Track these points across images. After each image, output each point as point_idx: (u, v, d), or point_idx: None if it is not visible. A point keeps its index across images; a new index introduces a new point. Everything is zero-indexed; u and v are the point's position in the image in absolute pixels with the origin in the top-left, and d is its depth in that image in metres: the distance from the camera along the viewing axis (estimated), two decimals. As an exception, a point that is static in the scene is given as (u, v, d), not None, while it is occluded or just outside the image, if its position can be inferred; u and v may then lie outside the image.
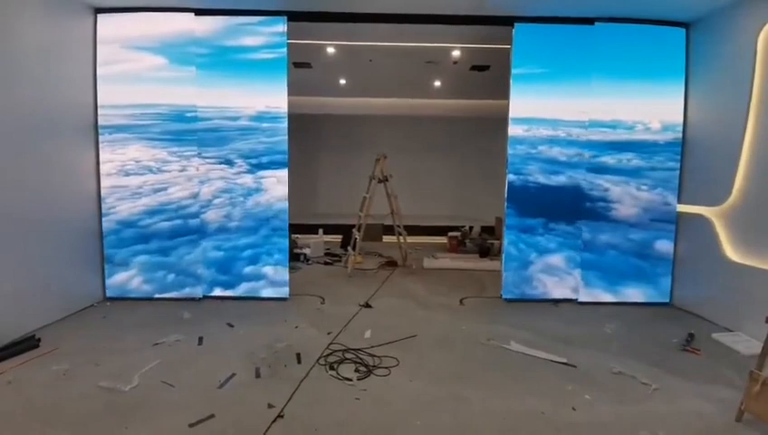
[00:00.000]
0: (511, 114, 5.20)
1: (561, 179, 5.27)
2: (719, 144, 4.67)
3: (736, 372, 3.44)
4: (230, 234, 5.23)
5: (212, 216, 5.20)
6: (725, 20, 4.63)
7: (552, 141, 5.23)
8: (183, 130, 5.12)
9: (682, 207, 5.17)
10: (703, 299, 4.90)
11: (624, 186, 5.25)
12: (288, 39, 5.08)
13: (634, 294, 5.29)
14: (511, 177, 5.28)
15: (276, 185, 5.22)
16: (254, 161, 5.21)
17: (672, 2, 4.63)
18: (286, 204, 5.22)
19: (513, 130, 5.23)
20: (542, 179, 5.28)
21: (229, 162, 5.20)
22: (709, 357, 3.82)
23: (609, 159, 5.24)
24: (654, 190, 5.25)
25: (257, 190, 5.22)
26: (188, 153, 5.16)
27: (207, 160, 5.17)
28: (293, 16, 5.06)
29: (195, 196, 5.17)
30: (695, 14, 4.92)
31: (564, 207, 5.28)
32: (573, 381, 3.32)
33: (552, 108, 5.20)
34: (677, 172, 5.22)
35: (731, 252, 4.48)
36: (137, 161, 5.10)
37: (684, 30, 5.11)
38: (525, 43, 5.14)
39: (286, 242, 5.29)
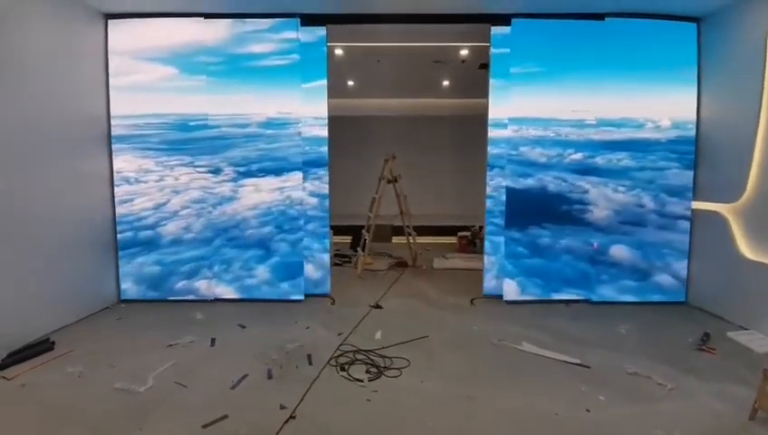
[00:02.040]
0: (509, 114, 5.17)
1: (539, 182, 5.21)
2: (733, 140, 4.60)
3: (751, 371, 3.39)
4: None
5: (171, 227, 5.17)
6: (736, 15, 4.56)
7: (552, 142, 5.17)
8: (182, 140, 5.14)
9: (697, 205, 5.09)
10: (718, 297, 4.83)
11: (602, 187, 5.16)
12: (327, 42, 5.15)
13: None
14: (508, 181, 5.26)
15: (252, 193, 5.19)
16: (242, 169, 5.19)
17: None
18: (256, 212, 5.19)
19: (505, 132, 5.20)
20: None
21: (217, 170, 5.18)
22: (724, 356, 3.77)
23: (599, 160, 5.16)
24: (631, 192, 5.15)
25: (230, 199, 5.19)
26: (174, 162, 5.14)
27: (197, 169, 5.15)
28: (306, 19, 5.07)
29: (158, 207, 5.15)
30: (705, 9, 4.85)
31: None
32: (587, 382, 3.29)
33: (552, 107, 5.14)
34: (667, 171, 5.12)
35: (746, 249, 4.41)
36: (118, 172, 5.11)
37: (695, 25, 5.03)
38: (523, 40, 5.08)
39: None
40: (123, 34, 5.00)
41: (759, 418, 2.75)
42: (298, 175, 5.23)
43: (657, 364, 3.55)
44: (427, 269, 6.99)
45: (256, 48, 5.11)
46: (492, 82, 5.16)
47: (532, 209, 5.23)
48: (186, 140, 5.15)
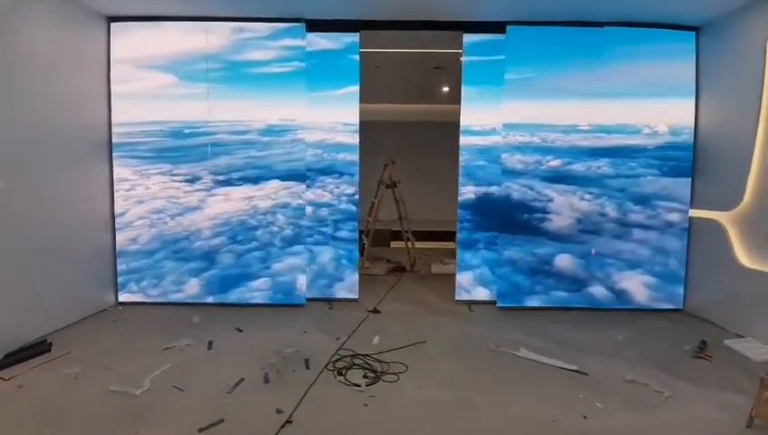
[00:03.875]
0: (505, 120, 5.19)
1: (506, 190, 5.23)
2: (731, 149, 4.62)
3: (748, 379, 3.40)
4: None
5: (118, 238, 5.10)
6: (735, 23, 4.59)
7: (533, 149, 5.18)
8: (171, 148, 5.09)
9: (694, 213, 5.11)
10: (715, 305, 4.83)
11: (569, 196, 5.13)
12: (360, 48, 5.19)
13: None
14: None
15: (220, 203, 5.12)
16: (221, 178, 5.12)
17: (681, 5, 4.60)
18: (216, 222, 5.11)
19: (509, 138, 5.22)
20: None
21: (195, 179, 5.11)
22: (721, 364, 3.77)
23: (579, 166, 5.13)
24: (596, 200, 5.11)
25: (194, 209, 5.10)
26: (153, 171, 5.08)
27: (173, 178, 5.09)
28: (311, 24, 5.09)
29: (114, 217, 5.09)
30: (704, 18, 4.89)
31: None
32: (585, 389, 3.28)
33: (544, 114, 5.16)
34: (642, 179, 5.11)
35: (743, 257, 4.42)
36: None
37: (694, 34, 5.06)
38: (519, 47, 5.10)
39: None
40: (124, 42, 4.99)
41: (756, 426, 2.75)
42: (276, 183, 5.17)
43: (654, 372, 3.55)
44: (426, 274, 6.99)
45: (257, 55, 5.10)
46: (465, 89, 5.21)
47: (501, 217, 5.24)
48: (175, 147, 5.10)
